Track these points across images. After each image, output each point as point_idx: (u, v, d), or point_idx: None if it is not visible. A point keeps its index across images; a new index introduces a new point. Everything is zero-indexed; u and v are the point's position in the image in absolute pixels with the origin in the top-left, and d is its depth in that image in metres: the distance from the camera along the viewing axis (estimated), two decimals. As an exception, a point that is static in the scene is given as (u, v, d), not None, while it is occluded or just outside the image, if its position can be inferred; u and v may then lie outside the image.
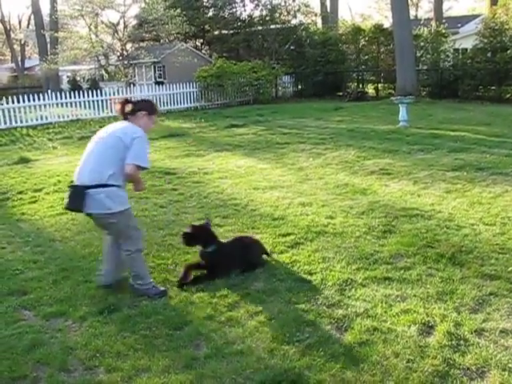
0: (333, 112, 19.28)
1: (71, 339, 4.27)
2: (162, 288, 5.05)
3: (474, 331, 4.07)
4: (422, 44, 27.74)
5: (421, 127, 14.83)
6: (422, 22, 32.97)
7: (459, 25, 37.50)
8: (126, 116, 4.99)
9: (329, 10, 40.25)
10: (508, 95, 24.21)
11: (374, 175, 9.28)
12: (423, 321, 4.23)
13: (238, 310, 4.56)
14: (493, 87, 25.33)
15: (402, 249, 5.75)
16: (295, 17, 32.81)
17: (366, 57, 29.35)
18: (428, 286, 4.85)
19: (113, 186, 4.74)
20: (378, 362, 3.72)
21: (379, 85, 29.12)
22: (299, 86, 29.56)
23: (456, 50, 28.06)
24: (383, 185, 8.61)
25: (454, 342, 3.92)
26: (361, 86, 29.29)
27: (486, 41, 25.19)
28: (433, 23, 31.78)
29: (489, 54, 24.85)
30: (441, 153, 11.14)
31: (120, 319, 4.49)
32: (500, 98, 24.30)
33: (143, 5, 28.07)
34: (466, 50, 26.84)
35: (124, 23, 28.11)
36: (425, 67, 27.53)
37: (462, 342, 3.94)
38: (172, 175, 10.01)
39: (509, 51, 23.93)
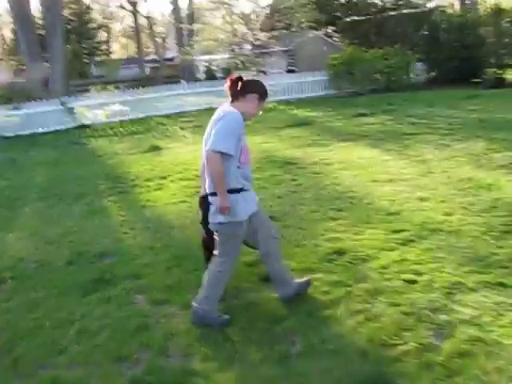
0: (466, 100, 18.34)
1: (174, 325, 4.48)
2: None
3: None
4: None
5: None
6: None
7: None
8: (234, 96, 4.45)
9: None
10: None
11: (502, 169, 8.72)
12: (537, 335, 3.95)
13: (339, 308, 4.52)
14: None
15: (522, 251, 5.40)
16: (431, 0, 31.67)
17: (507, 40, 27.56)
18: (549, 296, 4.51)
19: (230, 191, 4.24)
20: (476, 377, 3.50)
21: (521, 70, 27.32)
22: (432, 73, 28.41)
23: None
24: (510, 180, 8.09)
25: None
26: (500, 71, 27.61)
27: None
28: None
29: None
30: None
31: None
32: None
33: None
34: None
35: (257, 13, 28.58)
36: None
37: None
38: (293, 165, 10.08)
39: None
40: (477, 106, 16.81)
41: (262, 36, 29.77)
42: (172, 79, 32.45)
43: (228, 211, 4.16)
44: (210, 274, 4.50)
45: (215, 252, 4.53)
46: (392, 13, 30.55)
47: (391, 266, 5.26)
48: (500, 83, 24.15)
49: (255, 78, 4.76)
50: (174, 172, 10.31)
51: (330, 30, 33.49)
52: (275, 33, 31.38)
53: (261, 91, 4.48)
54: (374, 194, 7.69)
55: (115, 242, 6.71)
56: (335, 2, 32.65)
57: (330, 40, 30.04)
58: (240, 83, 4.40)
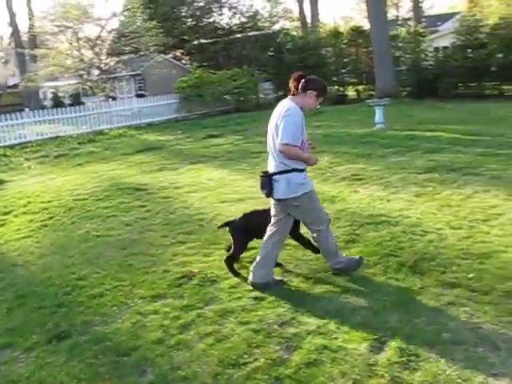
0: (312, 117, 19.10)
1: (15, 372, 4.15)
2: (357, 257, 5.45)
3: (427, 345, 3.95)
4: (400, 44, 27.77)
5: (398, 129, 14.77)
6: (399, 23, 33.09)
7: (439, 23, 37.70)
8: (295, 91, 5.08)
9: (309, 14, 40.40)
10: (487, 91, 24.25)
11: (345, 181, 9.18)
12: (375, 336, 4.11)
13: (189, 333, 4.43)
14: (472, 84, 25.40)
15: (363, 259, 5.63)
16: (276, 23, 32.93)
17: (346, 59, 29.33)
18: (385, 298, 4.72)
19: (291, 171, 4.96)
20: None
21: (360, 87, 29.14)
22: (280, 92, 29.47)
23: (436, 48, 28.14)
24: (353, 191, 8.51)
25: (404, 359, 3.80)
26: (341, 89, 29.29)
27: (463, 38, 25.29)
28: (411, 23, 31.92)
29: (469, 51, 24.92)
30: (415, 154, 11.06)
31: (68, 347, 4.36)
32: (479, 94, 24.35)
33: (122, 18, 28.06)
34: (446, 48, 26.91)
35: (102, 37, 28.05)
36: (404, 67, 27.56)
37: (412, 357, 3.81)
38: (142, 191, 9.86)
39: (484, 48, 24.02)
40: (321, 121, 17.63)
41: (110, 61, 29.27)
42: (16, 107, 30.92)
43: (317, 160, 5.26)
44: (322, 243, 5.26)
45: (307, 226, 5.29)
46: (239, 35, 31.35)
47: (240, 284, 5.27)
48: (342, 100, 25.54)
49: (315, 76, 5.24)
50: (18, 206, 9.70)
51: (178, 53, 33.72)
52: (123, 57, 31.00)
53: (319, 89, 5.08)
54: (223, 215, 7.70)
55: None
56: (182, 26, 32.88)
57: (178, 63, 30.17)
58: (302, 81, 5.02)
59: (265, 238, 5.29)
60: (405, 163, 10.28)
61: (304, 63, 27.79)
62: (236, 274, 5.51)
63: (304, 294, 4.92)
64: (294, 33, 34.21)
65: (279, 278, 5.32)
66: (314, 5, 42.41)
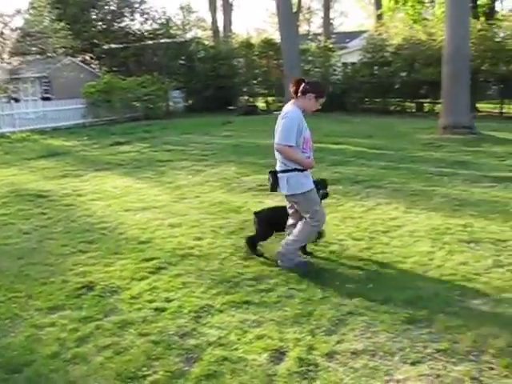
0: (221, 127, 19.27)
1: None
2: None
3: (326, 354, 4.02)
4: (310, 58, 28.43)
5: (305, 141, 15.02)
6: (310, 37, 33.90)
7: (348, 40, 38.92)
8: (296, 95, 5.47)
9: (222, 24, 40.65)
10: (392, 107, 25.26)
11: (250, 192, 9.26)
12: (276, 347, 4.14)
13: (87, 345, 4.29)
14: (378, 100, 26.41)
15: (266, 269, 5.70)
16: (188, 31, 32.83)
17: (257, 71, 29.67)
18: (287, 309, 4.78)
19: (290, 170, 5.43)
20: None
21: (270, 98, 29.55)
22: (190, 101, 29.41)
23: (344, 63, 29.07)
24: (258, 202, 8.58)
25: (303, 368, 3.84)
26: (252, 99, 29.59)
27: (369, 55, 26.28)
28: (321, 38, 32.81)
29: (375, 67, 25.90)
30: (321, 166, 11.29)
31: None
32: (384, 110, 25.36)
33: (27, 16, 27.07)
34: (354, 63, 27.85)
35: (5, 35, 26.89)
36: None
37: (312, 367, 3.87)
38: (44, 198, 9.50)
39: (389, 66, 25.07)
40: (231, 132, 17.73)
41: (13, 60, 28.09)
42: None
43: (313, 164, 5.57)
44: (304, 225, 5.62)
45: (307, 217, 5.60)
46: (150, 42, 30.99)
47: (141, 295, 5.18)
48: (252, 111, 25.82)
49: (315, 79, 5.55)
50: None
51: (87, 56, 32.87)
52: (28, 57, 29.84)
53: (318, 91, 5.46)
54: (126, 224, 7.57)
55: None
56: (92, 29, 32.10)
57: (87, 67, 29.38)
58: (303, 85, 5.42)
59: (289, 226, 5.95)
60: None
61: (215, 73, 27.93)
62: (255, 252, 6.10)
63: (206, 306, 4.89)
64: (207, 42, 34.25)
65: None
66: (227, 15, 42.79)
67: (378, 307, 4.77)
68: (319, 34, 39.87)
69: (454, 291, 5.08)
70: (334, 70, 28.29)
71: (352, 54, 29.62)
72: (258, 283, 5.36)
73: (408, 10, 28.76)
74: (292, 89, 5.51)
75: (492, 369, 3.82)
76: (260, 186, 9.64)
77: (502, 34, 24.41)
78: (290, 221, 5.97)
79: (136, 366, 3.95)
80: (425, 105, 26.24)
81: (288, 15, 25.48)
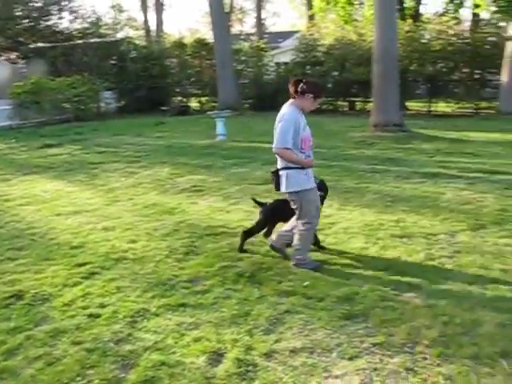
0: (154, 128, 19.03)
1: None
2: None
3: (264, 354, 4.01)
4: (243, 58, 28.50)
5: (239, 140, 15.10)
6: (243, 37, 34.00)
7: (280, 40, 39.26)
8: (294, 95, 5.52)
9: (154, 23, 40.23)
10: (324, 106, 25.63)
11: (184, 193, 9.17)
12: (214, 349, 4.09)
13: (16, 358, 4.10)
14: (311, 99, 26.70)
15: (202, 271, 5.63)
16: (119, 30, 32.28)
17: (190, 71, 29.48)
18: (224, 310, 4.74)
19: (291, 168, 5.50)
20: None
21: (204, 98, 29.43)
22: (123, 102, 28.91)
23: (277, 63, 29.30)
24: (193, 202, 8.52)
25: (242, 369, 3.82)
26: (185, 100, 29.40)
27: (302, 55, 26.59)
28: (254, 38, 32.97)
29: (308, 67, 26.22)
30: (255, 166, 11.36)
31: None
32: (317, 108, 25.54)
33: None
34: (286, 63, 28.11)
35: None
36: (247, 81, 28.32)
37: (251, 367, 3.85)
38: (-32, 204, 9.12)
39: (321, 66, 25.45)
40: (164, 132, 17.55)
41: None
42: None
43: (311, 162, 5.59)
44: (298, 234, 5.72)
45: (296, 218, 5.72)
46: (80, 41, 30.23)
47: (74, 302, 5.01)
48: (185, 111, 25.66)
49: (314, 79, 5.99)
50: None
51: (13, 56, 31.77)
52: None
53: (316, 92, 5.53)
54: (57, 229, 7.34)
55: None
56: (17, 26, 30.96)
57: (13, 67, 28.42)
58: (301, 85, 5.46)
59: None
60: (244, 174, 10.52)
61: (148, 73, 27.54)
62: (241, 249, 6.19)
63: (141, 310, 4.79)
64: (138, 42, 33.75)
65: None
66: (159, 14, 42.38)
67: (315, 304, 4.80)
68: (252, 34, 40.06)
69: (389, 285, 5.17)
70: (267, 70, 28.47)
71: (285, 54, 29.90)
72: (193, 285, 5.30)
73: (339, 11, 29.23)
74: (291, 89, 5.55)
75: (425, 359, 3.92)
76: (194, 186, 9.59)
77: (427, 36, 25.23)
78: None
79: (70, 376, 3.81)
80: (356, 103, 26.76)
81: (221, 15, 25.47)
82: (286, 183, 5.56)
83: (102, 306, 4.90)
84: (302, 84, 5.49)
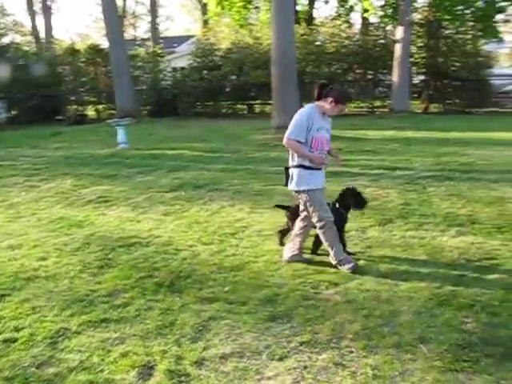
0: (50, 138, 18.39)
1: None
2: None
3: (195, 363, 3.97)
4: (139, 64, 28.13)
5: (141, 148, 14.91)
6: (138, 43, 33.53)
7: (176, 44, 39.08)
8: (319, 97, 5.65)
9: (43, 29, 38.81)
10: (223, 110, 25.78)
11: (91, 204, 8.93)
12: (143, 362, 3.99)
13: None
14: (209, 103, 26.83)
15: (119, 284, 5.49)
16: (5, 35, 30.88)
17: (84, 78, 28.70)
18: (148, 321, 4.64)
19: (302, 167, 5.61)
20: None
21: (100, 106, 28.76)
22: (13, 112, 27.66)
23: (174, 68, 29.14)
24: (101, 214, 8.31)
25: (175, 380, 3.75)
26: (81, 108, 28.60)
27: (199, 60, 26.62)
28: (149, 43, 32.60)
29: (205, 72, 26.27)
30: (160, 173, 11.25)
31: None
32: (216, 113, 25.83)
33: None
34: (183, 68, 28.02)
35: None
36: (144, 87, 27.99)
37: (183, 378, 3.79)
38: None
39: (219, 70, 25.60)
40: (62, 143, 17.02)
41: None
42: None
43: (321, 160, 5.63)
44: (321, 235, 5.75)
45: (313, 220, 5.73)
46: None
47: (-16, 328, 4.74)
48: (82, 120, 24.96)
49: (341, 87, 6.03)
50: None
51: None
52: None
53: (337, 98, 5.56)
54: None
55: None
56: None
57: None
58: (326, 88, 5.60)
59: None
60: (151, 182, 10.41)
61: (40, 81, 26.50)
62: (282, 243, 6.42)
63: (61, 329, 4.59)
64: (27, 48, 32.40)
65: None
66: (48, 19, 40.93)
67: (239, 309, 4.82)
68: (147, 39, 39.53)
69: (308, 285, 5.30)
70: (164, 76, 28.24)
71: (181, 59, 29.79)
72: (113, 299, 5.16)
73: (234, 15, 29.46)
74: (315, 91, 5.69)
75: (352, 352, 4.05)
76: (100, 197, 9.36)
77: (321, 38, 26.03)
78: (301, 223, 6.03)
79: (-10, 408, 3.61)
80: (255, 106, 27.11)
81: (115, 20, 24.94)
82: (292, 181, 5.70)
83: (17, 329, 4.64)
84: (327, 88, 5.64)
